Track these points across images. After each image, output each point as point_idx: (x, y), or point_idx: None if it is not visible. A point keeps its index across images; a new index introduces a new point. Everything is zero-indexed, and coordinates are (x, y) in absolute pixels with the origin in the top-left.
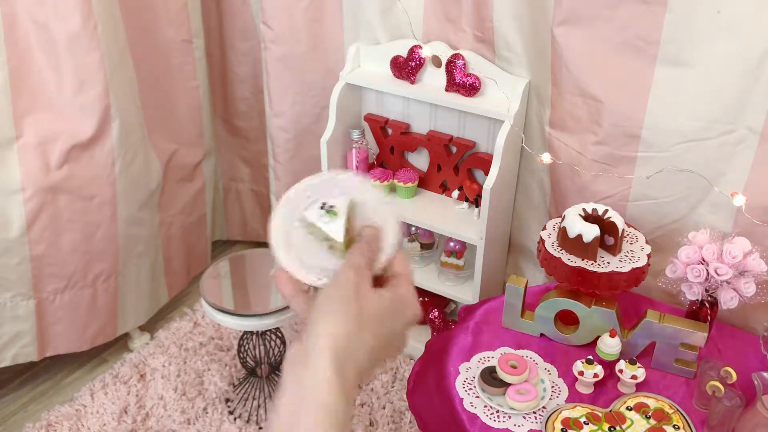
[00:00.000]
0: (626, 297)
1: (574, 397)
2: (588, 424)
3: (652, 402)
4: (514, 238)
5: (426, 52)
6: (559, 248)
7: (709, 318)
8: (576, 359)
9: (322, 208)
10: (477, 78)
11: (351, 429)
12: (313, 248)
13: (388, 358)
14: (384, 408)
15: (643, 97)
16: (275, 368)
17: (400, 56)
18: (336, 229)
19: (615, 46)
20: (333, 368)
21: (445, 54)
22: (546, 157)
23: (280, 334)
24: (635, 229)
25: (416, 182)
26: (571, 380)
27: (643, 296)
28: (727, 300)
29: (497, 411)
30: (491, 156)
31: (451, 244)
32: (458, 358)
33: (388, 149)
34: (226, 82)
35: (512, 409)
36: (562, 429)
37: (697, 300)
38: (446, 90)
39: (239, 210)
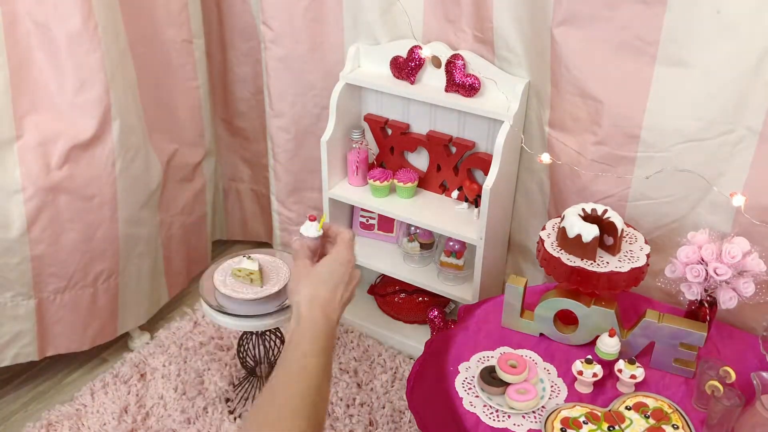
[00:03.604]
0: (625, 297)
1: (574, 397)
2: (587, 423)
3: (651, 401)
4: (513, 238)
5: (426, 52)
6: (559, 248)
7: (708, 318)
8: (575, 359)
9: (244, 257)
10: (476, 78)
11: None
12: (239, 283)
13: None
14: (384, 408)
15: (642, 97)
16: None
17: (400, 56)
18: (253, 266)
19: (614, 47)
20: (304, 309)
21: (444, 54)
22: (545, 157)
23: (279, 334)
24: (634, 229)
25: (416, 182)
26: (570, 380)
27: (642, 296)
28: (726, 300)
29: (497, 410)
30: (491, 156)
31: (451, 243)
32: (458, 357)
33: (388, 149)
34: (227, 82)
35: (512, 408)
36: (561, 428)
37: (696, 300)
38: (446, 90)
39: (239, 210)
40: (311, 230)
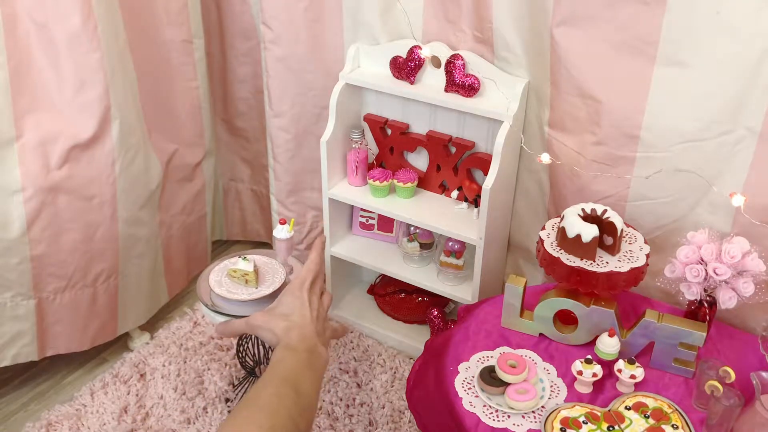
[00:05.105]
0: (625, 297)
1: (573, 397)
2: (587, 423)
3: (650, 401)
4: (513, 238)
5: (425, 52)
6: (558, 248)
7: (707, 318)
8: (575, 359)
9: (239, 257)
10: (476, 78)
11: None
12: (234, 284)
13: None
14: (383, 408)
15: (642, 97)
16: None
17: (400, 56)
18: (248, 266)
19: (614, 47)
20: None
21: (444, 54)
22: (545, 157)
23: None
24: (634, 229)
25: (415, 182)
26: (570, 380)
27: (641, 296)
28: (726, 300)
29: (496, 410)
30: (490, 156)
31: (451, 243)
32: (457, 357)
33: (388, 149)
34: (226, 82)
35: (511, 408)
36: (561, 428)
37: (696, 300)
38: (445, 90)
39: (239, 210)
40: (283, 233)
